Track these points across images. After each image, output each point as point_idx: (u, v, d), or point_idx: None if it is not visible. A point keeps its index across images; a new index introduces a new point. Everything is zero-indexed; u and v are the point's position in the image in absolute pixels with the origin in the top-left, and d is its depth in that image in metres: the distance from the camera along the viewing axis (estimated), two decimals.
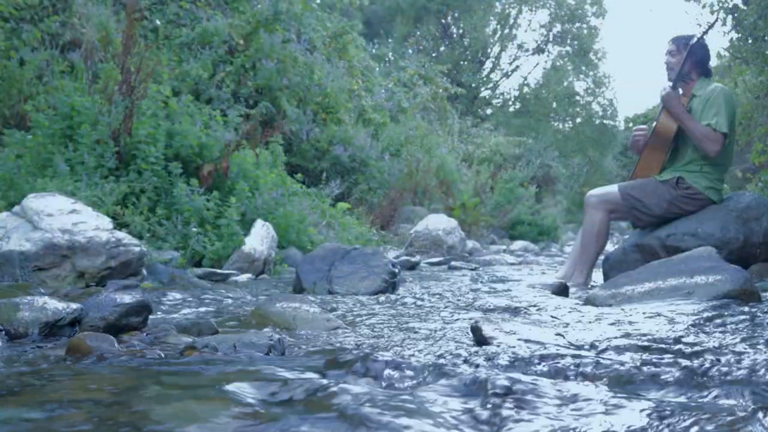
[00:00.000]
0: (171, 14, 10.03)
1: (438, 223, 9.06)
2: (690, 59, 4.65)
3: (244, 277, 5.06)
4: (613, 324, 2.38)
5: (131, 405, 1.34)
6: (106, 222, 4.16)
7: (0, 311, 2.24)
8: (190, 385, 1.49)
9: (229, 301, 3.54)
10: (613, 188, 4.81)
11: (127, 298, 2.33)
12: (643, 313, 2.61)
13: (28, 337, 2.16)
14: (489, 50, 36.51)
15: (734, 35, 9.05)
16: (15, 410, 1.31)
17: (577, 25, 38.06)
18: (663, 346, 1.87)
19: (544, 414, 1.32)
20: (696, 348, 1.82)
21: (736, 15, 8.57)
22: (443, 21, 35.25)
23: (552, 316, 2.74)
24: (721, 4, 8.79)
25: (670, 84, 4.69)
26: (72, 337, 2.02)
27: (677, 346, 1.86)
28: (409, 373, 1.55)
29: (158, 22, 9.81)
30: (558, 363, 1.70)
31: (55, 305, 2.28)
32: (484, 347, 1.92)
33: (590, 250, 4.77)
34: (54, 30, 7.96)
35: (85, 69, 7.35)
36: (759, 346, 1.82)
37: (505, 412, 1.32)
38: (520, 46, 37.95)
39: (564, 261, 6.16)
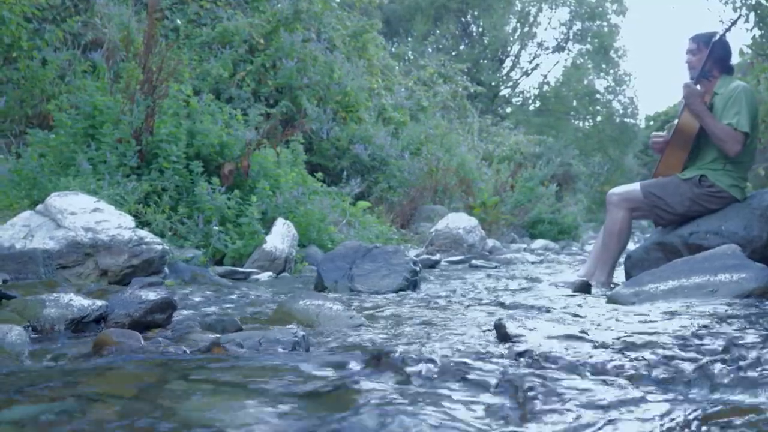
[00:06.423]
0: (191, 14, 10.11)
1: (458, 221, 9.03)
2: (711, 56, 4.61)
3: (265, 276, 5.07)
4: (636, 322, 2.36)
5: (157, 400, 1.35)
6: (129, 220, 4.19)
7: (26, 308, 2.26)
8: (216, 381, 1.50)
9: (251, 298, 3.55)
10: (634, 186, 4.78)
11: (152, 295, 2.35)
12: (667, 310, 2.59)
13: (54, 334, 2.18)
14: (509, 48, 36.45)
15: (757, 32, 8.97)
16: (42, 406, 1.32)
17: (598, 22, 37.91)
18: (688, 344, 1.86)
19: (568, 410, 1.31)
20: (722, 346, 1.81)
21: (759, 12, 8.50)
22: (463, 19, 35.21)
23: (575, 314, 2.73)
24: (743, 1, 8.72)
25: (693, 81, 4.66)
26: (98, 334, 2.04)
27: (703, 344, 1.85)
28: (433, 369, 1.55)
29: (179, 22, 9.88)
30: (582, 360, 1.69)
31: (80, 302, 2.30)
32: (507, 344, 1.91)
33: (612, 248, 4.74)
34: (76, 30, 8.04)
35: (106, 68, 7.41)
36: None
37: (529, 408, 1.32)
38: (540, 45, 37.89)
39: (585, 260, 6.14)
